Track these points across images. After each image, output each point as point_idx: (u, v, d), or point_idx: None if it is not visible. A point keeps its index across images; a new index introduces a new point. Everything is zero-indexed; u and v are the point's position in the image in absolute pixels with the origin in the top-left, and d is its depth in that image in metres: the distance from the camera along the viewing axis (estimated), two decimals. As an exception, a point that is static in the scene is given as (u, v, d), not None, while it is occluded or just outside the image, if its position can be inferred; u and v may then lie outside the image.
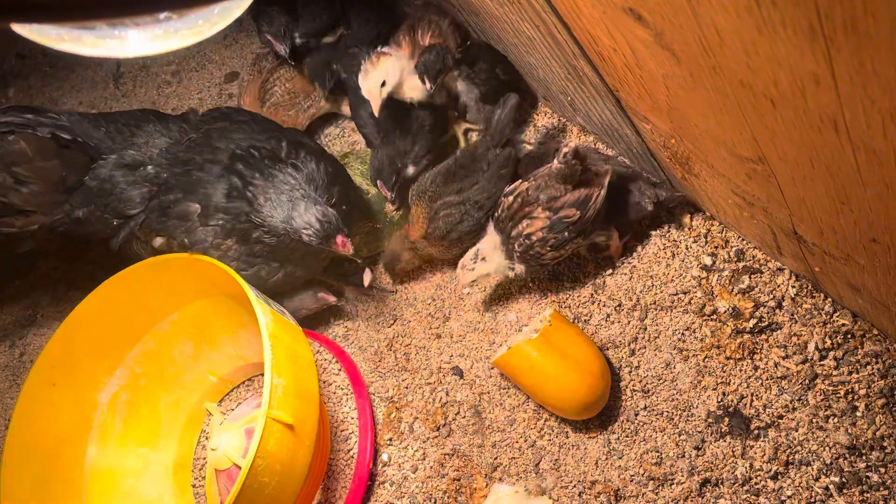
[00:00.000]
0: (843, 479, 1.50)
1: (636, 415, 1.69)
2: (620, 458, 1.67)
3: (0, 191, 1.75)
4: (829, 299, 1.62)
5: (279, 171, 1.71)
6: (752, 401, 1.61)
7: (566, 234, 1.66)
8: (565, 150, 1.65)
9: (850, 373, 1.57)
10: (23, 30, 0.73)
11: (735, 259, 1.72)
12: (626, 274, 1.80)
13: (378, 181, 1.96)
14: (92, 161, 1.78)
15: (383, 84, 1.78)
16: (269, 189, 1.69)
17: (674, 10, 0.92)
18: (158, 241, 1.78)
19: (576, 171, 1.64)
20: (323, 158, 1.83)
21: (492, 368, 1.83)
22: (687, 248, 1.77)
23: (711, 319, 1.69)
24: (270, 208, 1.69)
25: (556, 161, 1.66)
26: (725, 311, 1.67)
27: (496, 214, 1.76)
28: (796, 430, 1.56)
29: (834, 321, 1.61)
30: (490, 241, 1.77)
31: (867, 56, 0.71)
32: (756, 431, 1.58)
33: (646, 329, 1.74)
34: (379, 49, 1.83)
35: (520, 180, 1.74)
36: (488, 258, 1.76)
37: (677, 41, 1.00)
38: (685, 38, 0.97)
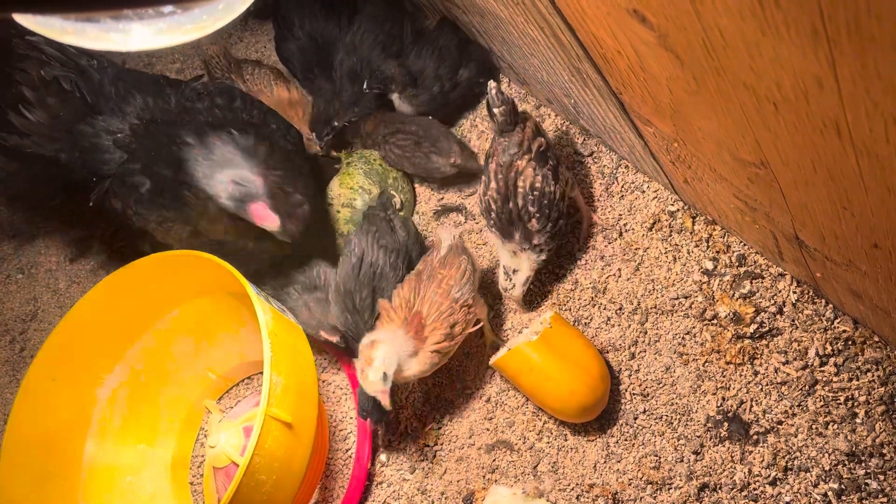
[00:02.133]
0: (842, 486, 1.49)
1: (635, 418, 1.68)
2: (619, 461, 1.66)
3: (9, 103, 1.83)
4: (831, 305, 1.62)
5: (219, 140, 1.71)
6: (751, 406, 1.61)
7: (550, 161, 1.72)
8: (493, 92, 1.68)
9: (850, 379, 1.56)
10: (26, 21, 0.73)
11: (736, 264, 1.72)
12: (627, 277, 1.80)
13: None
14: (87, 114, 1.84)
15: (385, 377, 1.58)
16: (203, 151, 1.68)
17: (678, 11, 0.92)
18: (115, 202, 1.83)
19: (514, 106, 1.71)
20: (276, 141, 1.85)
21: (491, 370, 1.83)
22: (688, 253, 1.77)
23: (712, 324, 1.69)
24: (195, 167, 1.67)
25: (496, 112, 1.69)
26: (726, 316, 1.67)
27: (492, 222, 1.76)
28: (795, 436, 1.56)
29: (835, 327, 1.60)
30: (505, 253, 1.76)
31: (870, 58, 0.71)
32: (755, 437, 1.58)
33: (646, 333, 1.74)
34: (368, 338, 1.64)
35: (488, 171, 1.76)
36: (517, 265, 1.76)
37: (681, 43, 1.00)
38: (689, 40, 0.97)
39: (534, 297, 1.88)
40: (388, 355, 1.57)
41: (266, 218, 1.64)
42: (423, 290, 1.68)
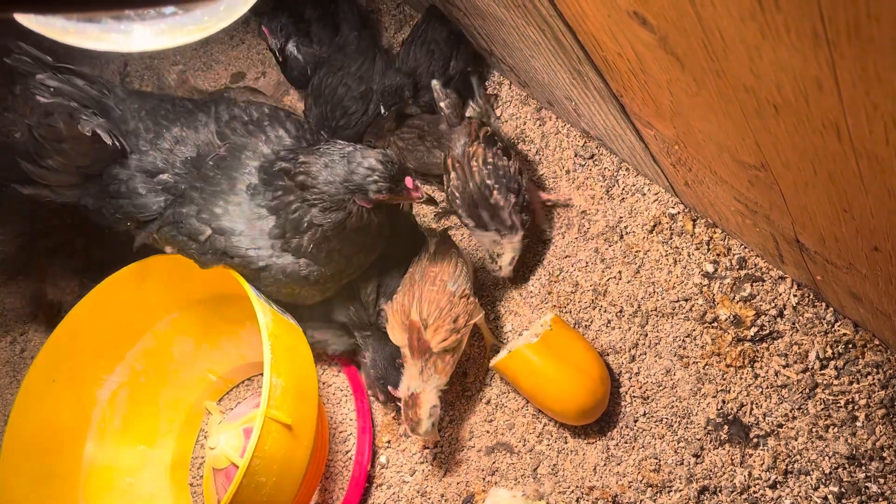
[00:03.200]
0: (843, 490, 1.49)
1: (635, 421, 1.68)
2: (619, 464, 1.66)
3: (20, 154, 1.70)
4: (831, 308, 1.62)
5: (323, 143, 1.64)
6: (751, 409, 1.61)
7: (499, 143, 1.83)
8: (437, 87, 1.84)
9: (850, 383, 1.56)
10: (28, 21, 0.73)
11: (737, 267, 1.72)
12: (627, 280, 1.80)
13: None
14: (117, 155, 1.71)
15: (432, 423, 1.68)
16: (318, 158, 1.58)
17: (678, 14, 0.92)
18: (170, 250, 1.74)
19: (456, 100, 1.87)
20: None
21: (491, 372, 1.83)
22: (689, 256, 1.77)
23: (712, 327, 1.69)
24: (327, 174, 1.56)
25: (442, 106, 1.84)
26: (726, 319, 1.67)
27: (461, 212, 1.82)
28: (796, 440, 1.56)
29: (835, 331, 1.60)
30: (487, 239, 1.80)
31: (870, 61, 0.71)
32: (755, 440, 1.58)
33: (646, 335, 1.74)
34: (404, 391, 1.68)
35: (446, 166, 1.84)
36: (500, 250, 1.80)
37: (681, 45, 1.00)
38: (689, 43, 0.97)
39: (534, 300, 1.88)
40: (430, 400, 1.65)
41: (418, 189, 1.63)
42: (419, 292, 1.68)
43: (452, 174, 1.81)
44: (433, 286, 1.69)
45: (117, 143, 1.69)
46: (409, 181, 1.59)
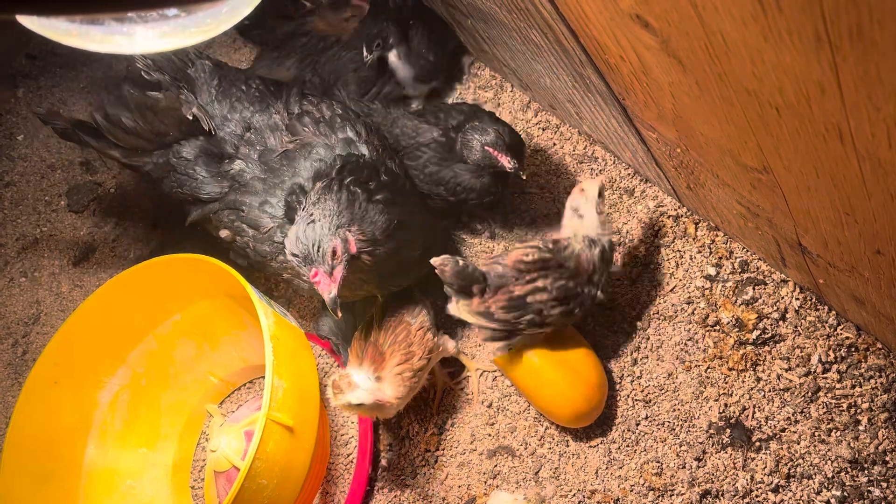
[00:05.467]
0: (845, 493, 1.49)
1: (637, 424, 1.68)
2: (621, 467, 1.66)
3: (101, 112, 1.72)
4: (833, 312, 1.62)
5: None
6: (754, 412, 1.60)
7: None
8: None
9: (853, 386, 1.56)
10: (31, 23, 0.73)
11: (739, 270, 1.71)
12: (629, 282, 1.80)
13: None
14: (197, 133, 1.72)
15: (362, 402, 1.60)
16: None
17: (681, 16, 0.92)
18: (224, 233, 1.72)
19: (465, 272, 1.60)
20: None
21: (493, 376, 1.83)
22: (691, 259, 1.76)
23: (714, 330, 1.69)
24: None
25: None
26: (728, 322, 1.67)
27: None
28: (798, 443, 1.55)
29: (837, 334, 1.60)
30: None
31: (873, 63, 0.71)
32: (758, 443, 1.58)
33: (648, 338, 1.74)
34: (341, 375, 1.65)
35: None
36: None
37: (683, 48, 1.00)
38: (691, 46, 0.97)
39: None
40: (361, 395, 1.59)
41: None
42: (383, 326, 1.72)
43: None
44: (391, 318, 1.73)
45: (209, 126, 1.71)
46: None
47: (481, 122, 1.77)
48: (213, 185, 1.71)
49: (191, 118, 1.66)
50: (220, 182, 1.70)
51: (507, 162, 1.67)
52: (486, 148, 1.69)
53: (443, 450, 1.81)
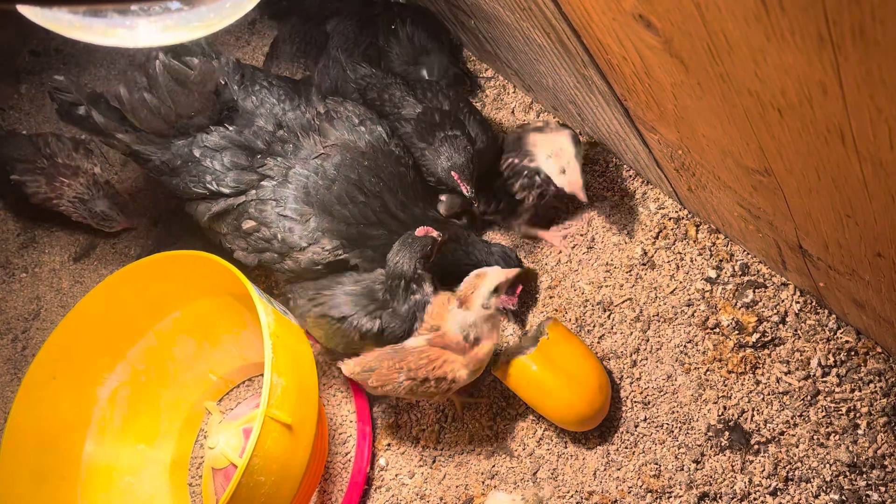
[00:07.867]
0: (843, 497, 1.48)
1: (636, 426, 1.68)
2: (619, 469, 1.66)
3: (126, 87, 1.67)
4: (833, 315, 1.62)
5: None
6: (752, 415, 1.60)
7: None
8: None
9: (852, 390, 1.56)
10: (34, 15, 0.73)
11: (739, 273, 1.71)
12: (629, 284, 1.79)
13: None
14: (221, 120, 1.70)
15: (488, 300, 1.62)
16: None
17: (683, 16, 0.92)
18: (248, 224, 1.71)
19: None
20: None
21: (492, 377, 1.83)
22: (692, 261, 1.76)
23: (714, 333, 1.68)
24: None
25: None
26: (728, 325, 1.67)
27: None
28: (797, 447, 1.55)
29: (837, 338, 1.60)
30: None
31: (875, 64, 0.71)
32: (756, 446, 1.57)
33: (648, 340, 1.73)
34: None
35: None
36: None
37: (686, 48, 1.00)
38: (694, 46, 0.97)
39: (535, 303, 1.88)
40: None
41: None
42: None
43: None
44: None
45: (236, 97, 1.70)
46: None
47: (466, 121, 1.81)
48: (239, 179, 1.69)
49: (223, 82, 1.65)
50: (249, 175, 1.68)
51: (465, 189, 1.72)
52: (451, 173, 1.72)
53: (441, 449, 1.81)
